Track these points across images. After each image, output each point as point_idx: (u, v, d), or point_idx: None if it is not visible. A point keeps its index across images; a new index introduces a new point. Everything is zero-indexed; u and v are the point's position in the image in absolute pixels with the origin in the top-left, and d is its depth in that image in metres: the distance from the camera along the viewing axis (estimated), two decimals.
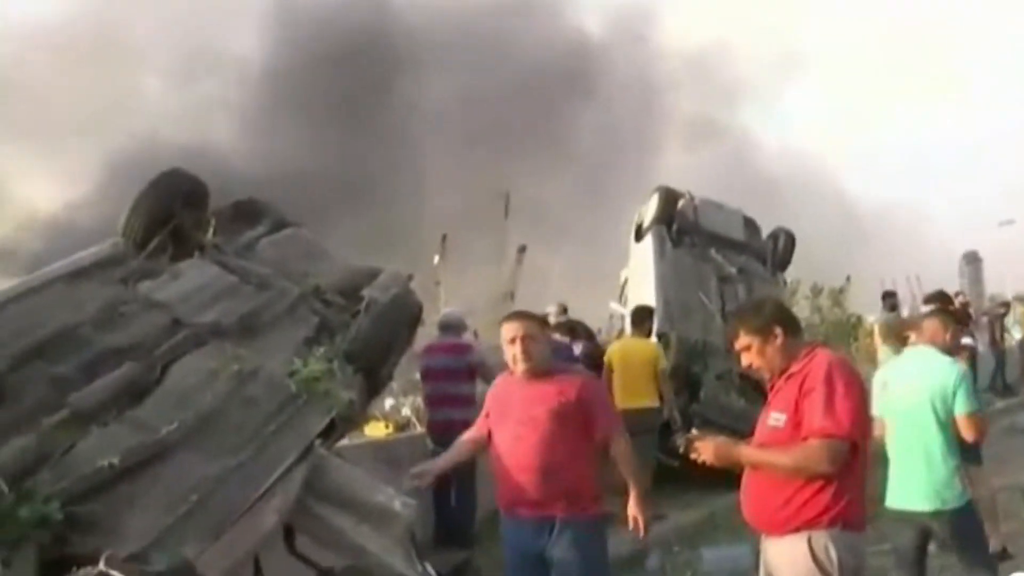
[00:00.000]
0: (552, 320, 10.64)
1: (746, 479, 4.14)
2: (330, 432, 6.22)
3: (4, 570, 3.95)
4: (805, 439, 3.88)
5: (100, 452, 4.69)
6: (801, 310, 18.56)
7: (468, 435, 5.40)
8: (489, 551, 8.19)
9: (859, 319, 19.45)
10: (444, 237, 43.42)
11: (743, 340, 4.16)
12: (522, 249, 45.68)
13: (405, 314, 6.86)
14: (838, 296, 20.79)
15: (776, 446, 3.97)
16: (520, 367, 4.94)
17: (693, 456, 4.11)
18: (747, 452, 4.07)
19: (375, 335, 6.49)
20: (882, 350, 15.40)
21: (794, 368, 4.03)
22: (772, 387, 4.17)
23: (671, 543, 8.70)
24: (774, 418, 4.03)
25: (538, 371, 4.94)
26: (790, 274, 17.06)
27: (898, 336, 15.59)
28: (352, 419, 6.49)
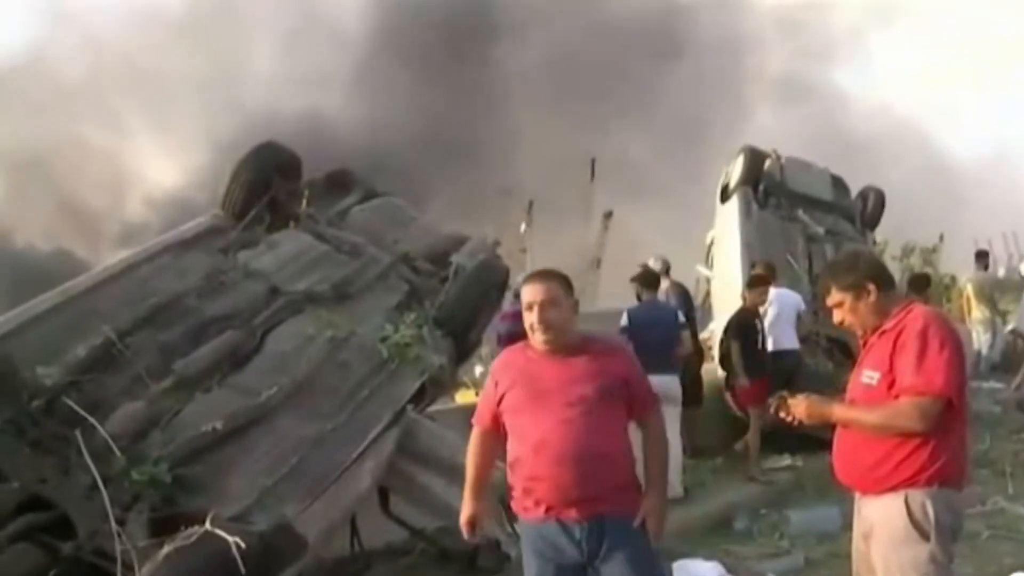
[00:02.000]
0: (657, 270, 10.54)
1: (839, 437, 4.05)
2: (422, 396, 6.42)
3: (120, 528, 4.19)
4: (897, 397, 3.77)
5: (204, 416, 4.94)
6: (892, 270, 18.10)
7: (481, 441, 4.11)
8: None
9: (952, 279, 18.83)
10: (531, 204, 43.33)
11: (835, 296, 4.01)
12: (608, 214, 45.32)
13: (492, 279, 6.97)
14: (930, 255, 20.08)
15: (870, 404, 3.89)
16: (539, 338, 3.88)
17: (785, 416, 4.09)
18: (839, 410, 3.97)
19: (463, 300, 6.63)
20: (976, 309, 15.12)
21: (888, 325, 3.90)
22: (865, 343, 4.06)
23: (758, 505, 8.69)
24: (867, 375, 3.90)
25: (568, 344, 3.93)
26: (881, 234, 16.66)
27: (990, 297, 15.31)
28: (443, 383, 6.65)
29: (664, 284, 10.55)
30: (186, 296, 5.77)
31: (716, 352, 10.79)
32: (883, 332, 3.91)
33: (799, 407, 3.98)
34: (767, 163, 12.35)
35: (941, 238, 23.67)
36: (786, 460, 9.76)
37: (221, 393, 5.22)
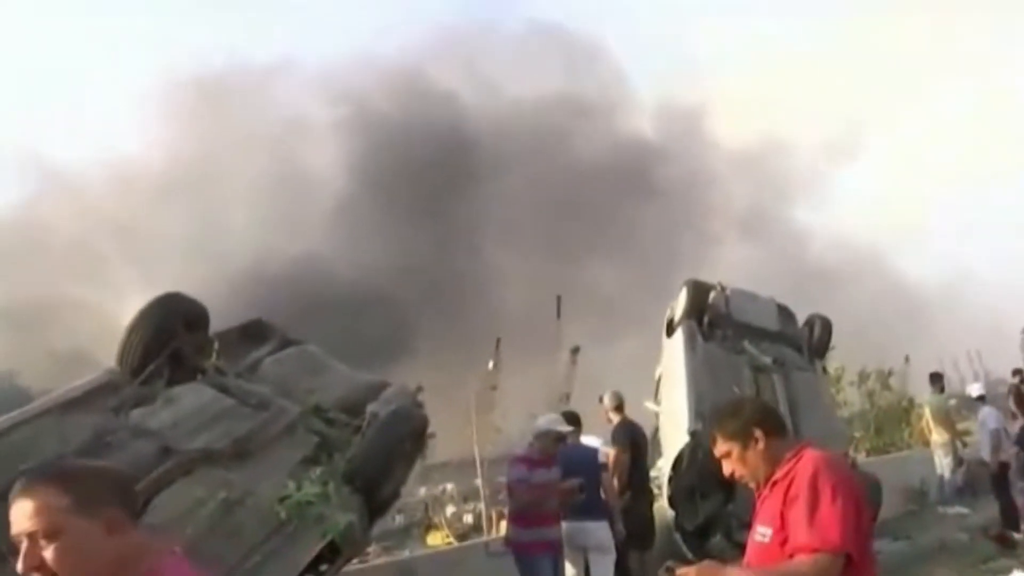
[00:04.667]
0: (607, 407, 10.20)
1: None
2: (334, 557, 5.98)
3: None
4: (792, 555, 3.43)
5: None
6: (848, 396, 17.89)
7: None
8: None
9: (910, 402, 18.59)
10: (498, 341, 43.44)
11: (722, 447, 3.72)
12: (575, 350, 45.42)
13: (405, 429, 6.60)
14: (886, 380, 19.86)
15: (764, 565, 3.53)
16: None
17: None
18: (733, 575, 3.64)
19: (374, 452, 6.25)
20: (935, 432, 14.84)
21: (779, 474, 3.59)
22: (758, 497, 3.71)
23: None
24: (760, 532, 3.58)
25: None
26: (846, 359, 16.49)
27: (946, 419, 15.06)
28: (355, 541, 6.21)
29: (615, 419, 10.26)
30: (64, 459, 5.35)
31: (665, 490, 10.41)
32: (775, 483, 3.58)
33: (690, 575, 3.57)
34: (712, 295, 12.20)
35: (907, 360, 23.60)
36: None
37: None
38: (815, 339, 12.92)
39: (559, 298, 45.62)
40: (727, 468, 3.74)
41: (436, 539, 41.21)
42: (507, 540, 8.19)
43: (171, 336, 6.53)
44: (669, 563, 3.68)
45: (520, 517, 8.12)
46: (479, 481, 45.85)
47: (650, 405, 12.49)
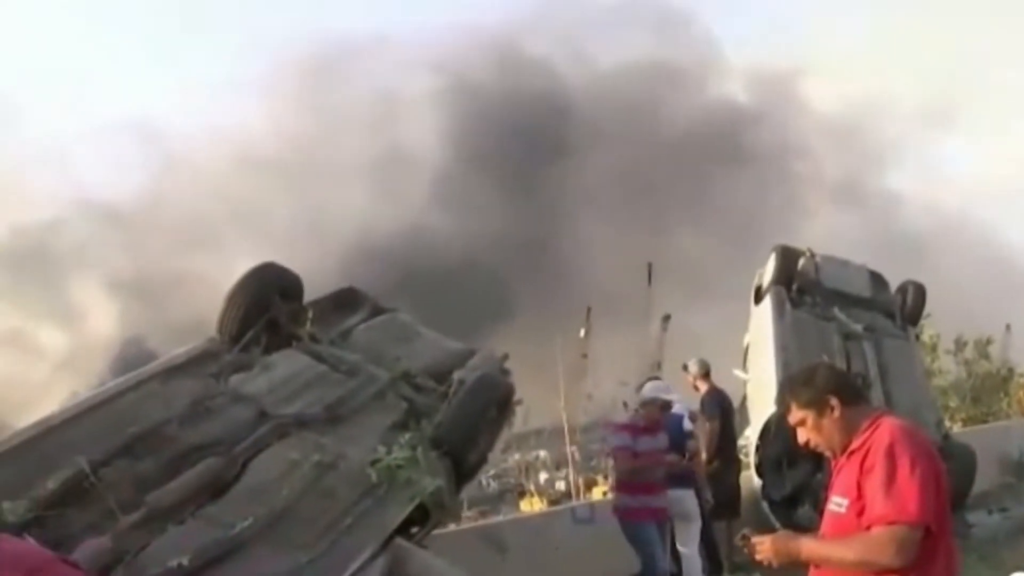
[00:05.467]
0: (693, 375, 10.20)
1: (812, 575, 3.61)
2: (424, 520, 6.16)
3: None
4: (868, 527, 3.35)
5: (172, 551, 4.73)
6: (944, 364, 17.45)
7: None
8: None
9: (1010, 371, 17.96)
10: (588, 310, 43.43)
11: (796, 415, 3.64)
12: (666, 318, 45.16)
13: (491, 396, 6.73)
14: (985, 348, 19.26)
15: (839, 536, 3.49)
16: None
17: (752, 556, 3.61)
18: (808, 546, 3.51)
19: (460, 418, 6.40)
20: None
21: (855, 443, 3.51)
22: (835, 466, 3.65)
23: None
24: (836, 502, 3.50)
25: None
26: (937, 328, 16.09)
27: None
28: (443, 506, 6.38)
29: (703, 389, 10.22)
30: (167, 424, 5.61)
31: (752, 459, 10.38)
32: (851, 452, 3.52)
33: (764, 545, 3.56)
34: (801, 261, 12.05)
35: (1008, 328, 22.90)
36: None
37: (194, 525, 5.02)
38: (908, 306, 12.66)
39: (650, 265, 45.34)
40: (802, 436, 3.69)
41: (529, 505, 41.59)
42: (614, 507, 8.24)
43: (267, 305, 6.76)
44: (745, 531, 3.70)
45: (626, 484, 8.14)
46: (571, 448, 46.15)
47: (738, 373, 12.43)
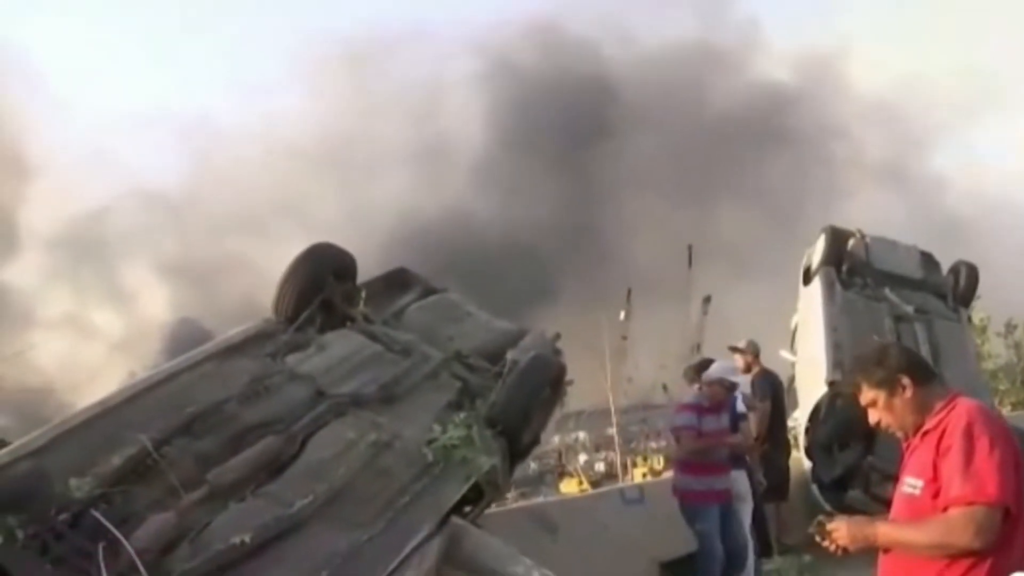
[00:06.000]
0: (739, 356, 10.14)
1: (883, 560, 3.55)
2: (478, 499, 6.19)
3: None
4: (945, 509, 3.31)
5: (234, 528, 4.78)
6: (994, 347, 17.21)
7: None
8: None
9: None
10: (629, 292, 43.29)
11: (867, 395, 3.59)
12: (707, 300, 44.92)
13: (545, 376, 6.73)
14: None
15: (914, 519, 3.44)
16: None
17: (827, 544, 3.55)
18: (884, 531, 3.47)
19: (515, 398, 6.40)
20: None
21: (930, 423, 3.47)
22: (907, 447, 3.59)
23: None
24: (909, 484, 3.46)
25: None
26: (987, 310, 15.85)
27: None
28: (498, 485, 6.40)
29: (754, 370, 10.17)
30: (226, 403, 5.66)
31: (801, 441, 10.32)
32: (925, 432, 3.48)
33: (839, 532, 3.51)
34: (851, 242, 11.93)
35: None
36: None
37: (254, 503, 5.06)
38: (960, 287, 12.49)
39: (690, 247, 45.07)
40: (873, 417, 3.65)
41: (570, 487, 41.65)
42: (674, 488, 8.23)
43: (322, 285, 6.78)
44: (821, 517, 3.64)
45: (688, 465, 8.09)
46: (612, 430, 46.13)
47: (786, 354, 12.35)
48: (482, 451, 6.00)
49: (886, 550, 3.54)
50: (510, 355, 6.83)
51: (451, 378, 6.63)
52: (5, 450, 5.00)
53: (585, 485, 40.88)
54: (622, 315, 43.56)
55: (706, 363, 8.99)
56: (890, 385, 3.57)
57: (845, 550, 3.55)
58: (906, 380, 3.55)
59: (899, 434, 3.66)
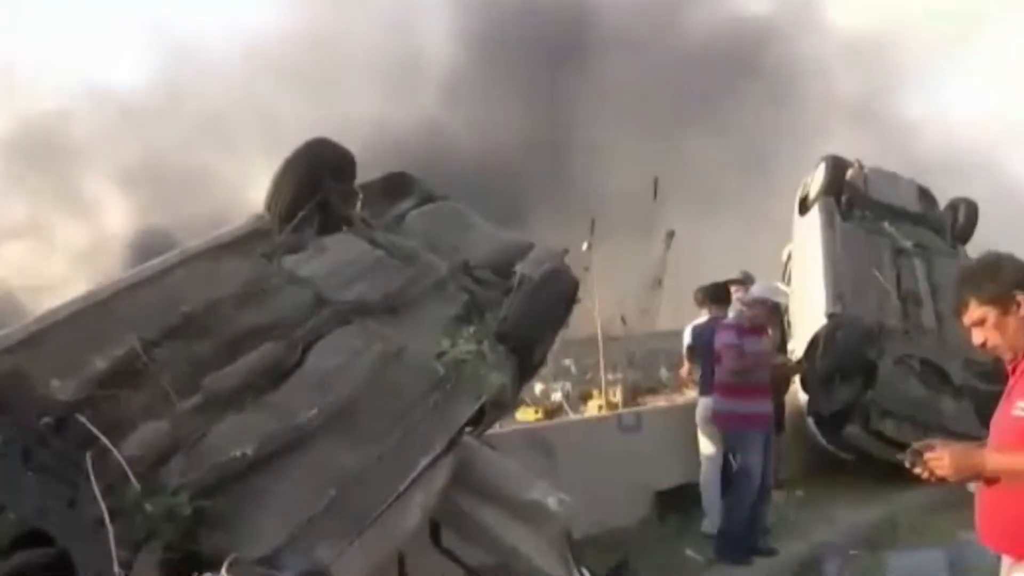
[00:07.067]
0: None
1: (981, 491, 3.31)
2: (480, 418, 5.80)
3: (126, 569, 3.62)
4: None
5: (234, 440, 4.36)
6: None
7: None
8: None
9: None
10: (592, 223, 42.81)
11: (976, 312, 3.33)
12: (670, 234, 44.66)
13: (560, 291, 6.33)
14: None
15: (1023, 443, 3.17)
16: None
17: (923, 473, 3.22)
18: (994, 459, 3.19)
19: (528, 314, 5.99)
20: None
21: None
22: (1014, 369, 3.31)
23: (848, 545, 7.90)
24: (1021, 407, 3.20)
25: None
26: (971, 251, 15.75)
27: None
28: (505, 404, 6.03)
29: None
30: (221, 304, 5.17)
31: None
32: None
33: (942, 461, 3.17)
34: (850, 173, 11.64)
35: None
36: None
37: (254, 413, 4.62)
38: (960, 223, 12.28)
39: (656, 180, 44.59)
40: (978, 337, 3.34)
41: (526, 415, 41.66)
42: (714, 413, 7.90)
43: (319, 183, 6.26)
44: (916, 444, 3.29)
45: (729, 388, 7.73)
46: (568, 361, 46.03)
47: (779, 286, 12.10)
48: (493, 367, 5.60)
49: (989, 481, 3.21)
50: (520, 268, 6.39)
51: (458, 290, 6.20)
52: None
53: (540, 415, 40.88)
54: (584, 246, 43.11)
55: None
56: (1004, 302, 3.29)
57: (941, 479, 3.22)
58: (1021, 296, 3.27)
59: (1005, 356, 3.35)
